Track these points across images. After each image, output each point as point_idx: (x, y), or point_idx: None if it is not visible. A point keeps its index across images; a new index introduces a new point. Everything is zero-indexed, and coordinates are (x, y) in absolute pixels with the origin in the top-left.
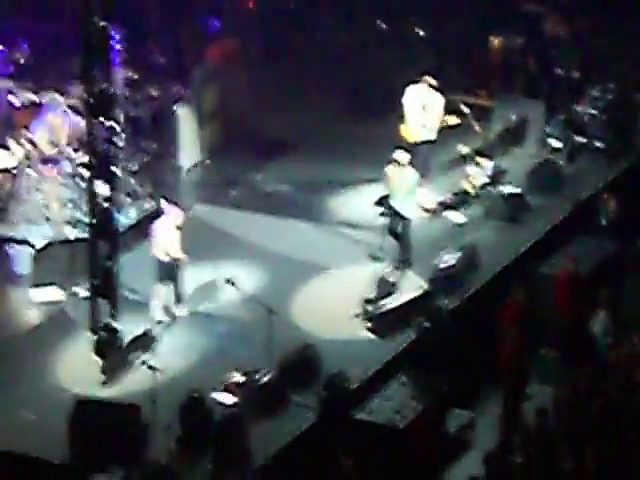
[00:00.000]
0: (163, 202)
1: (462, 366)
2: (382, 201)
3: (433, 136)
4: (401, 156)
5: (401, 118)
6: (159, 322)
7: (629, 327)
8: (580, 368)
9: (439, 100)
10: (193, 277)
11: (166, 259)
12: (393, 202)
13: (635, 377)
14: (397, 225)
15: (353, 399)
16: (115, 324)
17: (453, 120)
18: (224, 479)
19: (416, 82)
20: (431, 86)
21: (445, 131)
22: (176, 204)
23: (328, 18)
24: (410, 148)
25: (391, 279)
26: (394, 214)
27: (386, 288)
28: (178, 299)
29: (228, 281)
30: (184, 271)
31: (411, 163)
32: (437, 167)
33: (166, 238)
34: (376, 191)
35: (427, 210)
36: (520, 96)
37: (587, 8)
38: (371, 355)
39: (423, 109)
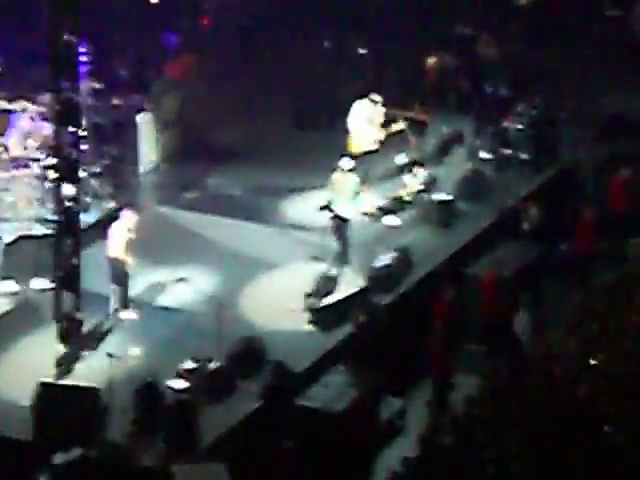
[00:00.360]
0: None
1: (396, 357)
2: (326, 206)
3: (375, 147)
4: (345, 163)
5: (347, 131)
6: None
7: (548, 324)
8: (502, 361)
9: (381, 115)
10: (150, 273)
11: (117, 261)
12: (335, 206)
13: (553, 369)
14: (338, 226)
15: (295, 386)
16: (78, 315)
17: (397, 126)
18: (175, 458)
19: (361, 98)
20: (375, 102)
21: (385, 142)
22: (132, 206)
23: (278, 36)
24: (354, 158)
25: (331, 277)
26: (336, 217)
27: (326, 285)
28: (124, 303)
29: (181, 279)
30: (133, 274)
31: (354, 170)
32: (377, 175)
33: (119, 240)
34: (319, 196)
35: (367, 214)
36: (453, 111)
37: (514, 31)
38: (312, 346)
39: (368, 123)
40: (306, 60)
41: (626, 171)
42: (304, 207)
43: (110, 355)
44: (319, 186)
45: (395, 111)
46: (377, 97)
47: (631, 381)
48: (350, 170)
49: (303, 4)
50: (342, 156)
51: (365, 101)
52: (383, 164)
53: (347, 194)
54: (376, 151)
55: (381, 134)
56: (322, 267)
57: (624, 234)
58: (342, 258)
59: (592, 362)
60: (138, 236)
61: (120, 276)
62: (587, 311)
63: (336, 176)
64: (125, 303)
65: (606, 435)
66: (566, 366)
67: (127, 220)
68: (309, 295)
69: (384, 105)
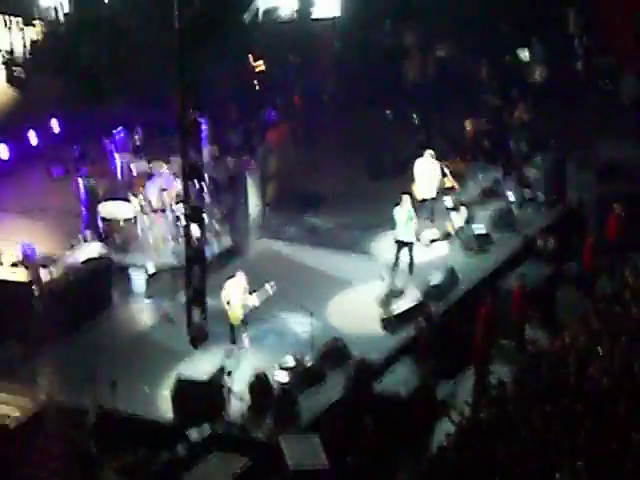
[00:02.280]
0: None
1: (447, 351)
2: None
3: (434, 194)
4: (403, 197)
5: (412, 181)
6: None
7: (562, 325)
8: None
9: (437, 168)
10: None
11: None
12: (397, 232)
13: (567, 358)
14: (400, 247)
15: (372, 377)
16: (204, 324)
17: (449, 183)
18: (280, 433)
19: (422, 155)
20: (432, 157)
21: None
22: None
23: (353, 108)
24: (419, 202)
25: (397, 291)
26: (397, 241)
27: (392, 298)
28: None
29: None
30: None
31: (414, 207)
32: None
33: (235, 297)
34: (386, 230)
35: (425, 244)
36: (485, 163)
37: (533, 101)
38: (384, 346)
39: (428, 174)
40: (375, 126)
41: (618, 208)
42: (378, 239)
43: (228, 355)
44: (387, 222)
45: (442, 163)
46: (433, 153)
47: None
48: (406, 203)
49: (370, 85)
50: (402, 193)
51: (425, 157)
52: (435, 205)
53: (404, 222)
54: (435, 198)
55: (437, 183)
56: (391, 284)
57: (619, 255)
58: (409, 272)
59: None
60: (250, 264)
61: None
62: (592, 312)
63: (397, 209)
64: (234, 339)
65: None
66: (576, 355)
67: (240, 280)
68: (381, 306)
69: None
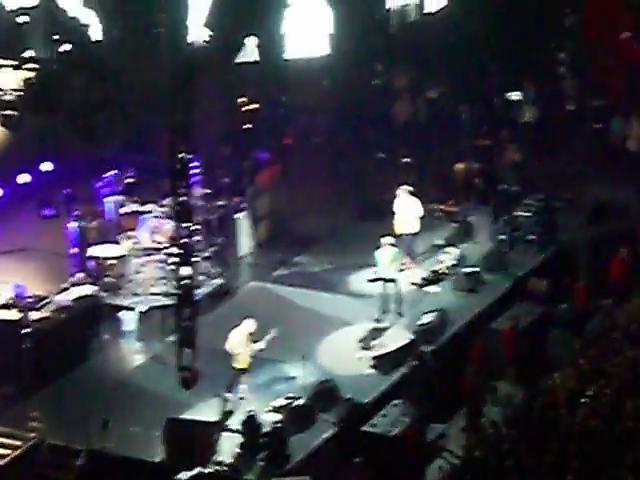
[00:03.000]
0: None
1: (439, 392)
2: (374, 279)
3: (415, 229)
4: (385, 240)
5: (393, 216)
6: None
7: (552, 366)
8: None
9: (417, 203)
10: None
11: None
12: (380, 272)
13: (557, 402)
14: (385, 287)
15: (362, 416)
16: (194, 366)
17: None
18: (272, 473)
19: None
20: (410, 192)
21: (425, 227)
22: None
23: (342, 150)
24: (398, 237)
25: (381, 329)
26: (382, 279)
27: (378, 336)
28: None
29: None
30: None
31: (396, 245)
32: (420, 254)
33: (237, 341)
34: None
35: (414, 284)
36: (475, 204)
37: (523, 143)
38: (374, 386)
39: (406, 210)
40: (365, 167)
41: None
42: (364, 279)
43: (220, 396)
44: (374, 263)
45: (434, 205)
46: (410, 188)
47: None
48: (388, 244)
49: (360, 127)
50: (382, 236)
51: (402, 193)
52: (424, 245)
53: (388, 261)
54: (416, 233)
55: (417, 219)
56: (377, 324)
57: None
58: (398, 312)
59: (587, 393)
60: (240, 304)
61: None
62: (582, 354)
63: (378, 251)
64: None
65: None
66: (566, 396)
67: (248, 327)
68: (370, 346)
69: (425, 202)
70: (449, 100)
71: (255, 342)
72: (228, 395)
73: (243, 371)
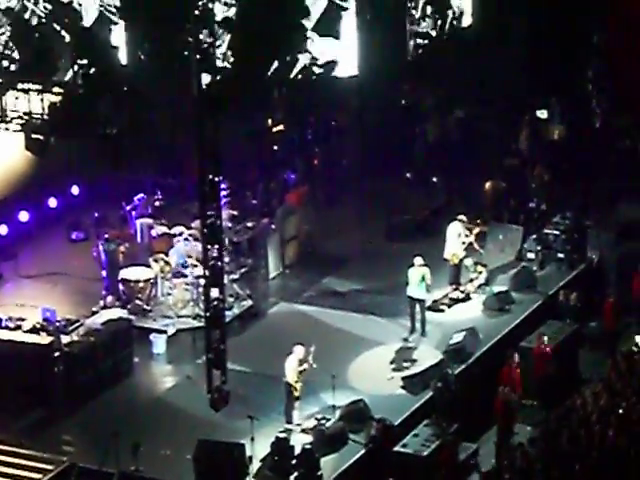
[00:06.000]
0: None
1: (469, 411)
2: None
3: (457, 258)
4: (417, 260)
5: (444, 243)
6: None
7: (583, 384)
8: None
9: (465, 232)
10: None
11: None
12: (411, 292)
13: (590, 419)
14: (413, 306)
15: (392, 437)
16: (224, 388)
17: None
18: None
19: (453, 220)
20: (462, 222)
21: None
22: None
23: (371, 171)
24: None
25: (411, 349)
26: (412, 299)
27: (408, 356)
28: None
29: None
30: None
31: (427, 265)
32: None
33: (293, 372)
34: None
35: (444, 303)
36: (505, 223)
37: (552, 161)
38: (405, 405)
39: (457, 237)
40: (394, 188)
41: None
42: (396, 300)
43: (250, 417)
44: (405, 284)
45: (464, 224)
46: (463, 218)
47: None
48: (420, 265)
49: (389, 147)
50: (415, 256)
51: (456, 222)
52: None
53: (416, 282)
54: (461, 260)
55: (459, 246)
56: (407, 343)
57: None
58: (421, 332)
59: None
60: (270, 326)
61: (288, 393)
62: (612, 371)
63: (410, 269)
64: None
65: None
66: (597, 413)
67: (298, 353)
68: (399, 367)
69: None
70: (477, 119)
71: (303, 365)
72: (288, 425)
73: (298, 398)
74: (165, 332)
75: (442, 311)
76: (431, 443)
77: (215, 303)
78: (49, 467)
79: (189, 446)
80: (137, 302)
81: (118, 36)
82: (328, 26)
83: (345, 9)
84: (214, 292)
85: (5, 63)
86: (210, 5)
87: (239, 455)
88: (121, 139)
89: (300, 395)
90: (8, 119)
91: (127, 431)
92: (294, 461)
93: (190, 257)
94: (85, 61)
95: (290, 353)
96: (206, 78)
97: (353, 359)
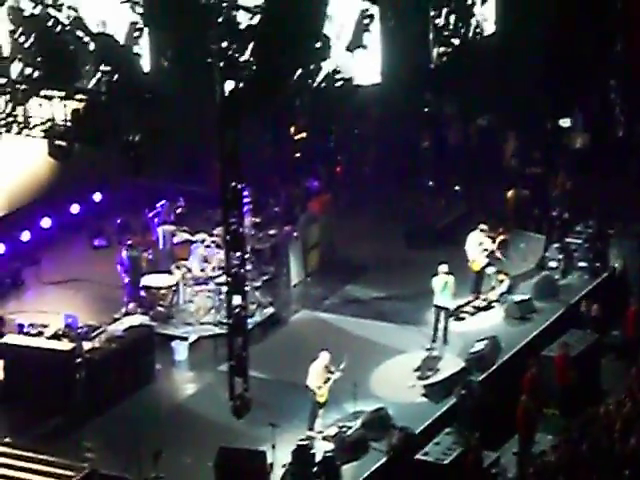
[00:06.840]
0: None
1: (491, 420)
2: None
3: (484, 264)
4: (441, 268)
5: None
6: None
7: (605, 393)
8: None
9: (488, 240)
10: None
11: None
12: (436, 300)
13: (612, 428)
14: (438, 313)
15: (414, 445)
16: (246, 395)
17: (499, 238)
18: None
19: (474, 229)
20: (483, 231)
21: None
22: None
23: (392, 178)
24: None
25: (434, 358)
26: (436, 307)
27: (431, 364)
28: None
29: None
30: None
31: (451, 274)
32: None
33: (317, 377)
34: (428, 298)
35: (466, 312)
36: (527, 232)
37: (575, 169)
38: (427, 413)
39: (478, 246)
40: (416, 195)
41: None
42: (418, 308)
43: (272, 425)
44: (426, 291)
45: (486, 232)
46: (484, 227)
47: None
48: (444, 273)
49: (411, 154)
50: (440, 263)
51: (478, 231)
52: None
53: (441, 288)
54: (483, 268)
55: (481, 256)
56: (429, 352)
57: None
58: (444, 340)
59: None
60: (292, 333)
61: (313, 404)
62: (635, 380)
63: (435, 278)
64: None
65: None
66: (620, 423)
67: (324, 359)
68: (421, 376)
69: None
70: (499, 127)
71: (330, 373)
72: (310, 433)
73: (322, 405)
74: (187, 339)
75: (463, 319)
76: (452, 451)
77: (237, 310)
78: (70, 474)
79: (210, 453)
80: (159, 309)
81: (141, 43)
82: (358, 39)
83: (373, 18)
84: (236, 299)
85: (28, 70)
86: (234, 12)
87: (260, 462)
88: (143, 146)
89: (325, 402)
90: (31, 126)
91: (148, 438)
92: (315, 468)
93: (207, 262)
94: (108, 68)
95: (315, 359)
96: (229, 85)
97: (374, 367)
